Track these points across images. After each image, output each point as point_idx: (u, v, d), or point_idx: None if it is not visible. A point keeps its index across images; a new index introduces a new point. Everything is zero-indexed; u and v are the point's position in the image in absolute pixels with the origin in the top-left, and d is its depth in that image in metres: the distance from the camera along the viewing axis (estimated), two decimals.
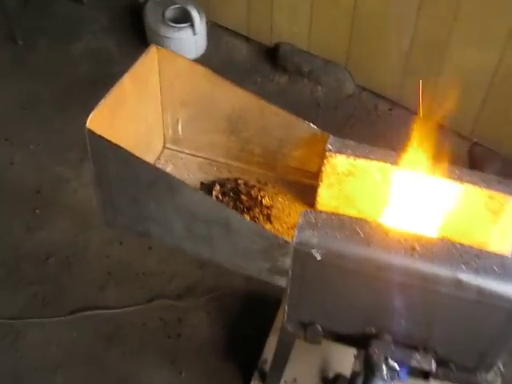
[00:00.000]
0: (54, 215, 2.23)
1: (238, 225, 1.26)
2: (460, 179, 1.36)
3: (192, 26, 2.66)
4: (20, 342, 1.91)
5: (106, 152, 1.28)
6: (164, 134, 1.65)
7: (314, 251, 1.21)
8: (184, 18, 2.69)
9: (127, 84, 1.38)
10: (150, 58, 1.47)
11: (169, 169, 1.64)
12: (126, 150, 1.24)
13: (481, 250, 1.22)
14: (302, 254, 1.23)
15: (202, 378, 1.85)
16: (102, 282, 2.06)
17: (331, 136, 1.43)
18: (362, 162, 1.39)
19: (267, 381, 1.70)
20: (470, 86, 2.30)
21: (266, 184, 1.61)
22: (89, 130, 1.25)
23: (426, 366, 1.32)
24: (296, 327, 1.46)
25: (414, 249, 1.19)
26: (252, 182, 1.60)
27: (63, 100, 2.64)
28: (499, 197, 1.34)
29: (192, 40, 2.70)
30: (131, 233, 1.52)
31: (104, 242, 2.16)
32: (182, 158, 1.67)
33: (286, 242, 1.23)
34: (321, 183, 1.46)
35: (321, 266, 1.24)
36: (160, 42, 2.73)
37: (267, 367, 1.72)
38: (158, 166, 1.63)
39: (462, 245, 1.22)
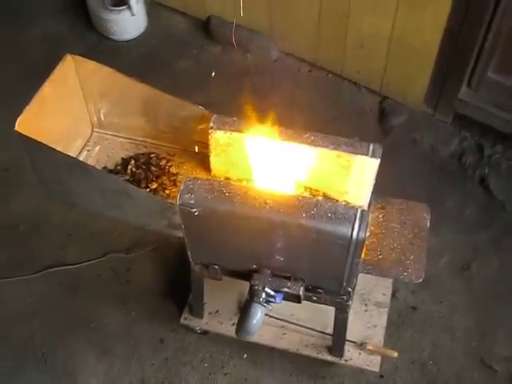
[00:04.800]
0: (20, 191, 2.59)
1: (135, 193, 1.64)
2: (314, 143, 1.70)
3: (129, 8, 2.95)
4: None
5: (32, 147, 1.64)
6: (91, 121, 2.00)
7: (192, 210, 1.59)
8: (123, 1, 2.98)
9: (47, 90, 1.71)
10: (67, 65, 1.79)
11: (97, 149, 1.99)
12: (44, 145, 1.59)
13: (319, 200, 1.58)
14: (185, 212, 1.60)
15: (148, 315, 2.26)
16: (64, 243, 2.46)
17: (215, 115, 1.77)
18: (236, 135, 1.73)
19: (194, 312, 2.11)
20: (373, 48, 2.60)
21: (174, 155, 1.95)
22: (17, 131, 1.61)
23: (295, 291, 1.71)
24: (200, 268, 1.85)
25: (266, 202, 1.55)
26: (163, 155, 1.95)
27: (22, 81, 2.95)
28: (345, 155, 1.69)
29: (131, 20, 3.00)
30: (64, 204, 1.89)
31: (63, 210, 2.53)
32: (107, 139, 2.01)
33: (172, 204, 1.60)
34: (210, 153, 1.82)
35: (201, 219, 1.61)
36: (103, 24, 3.04)
37: None
38: (88, 147, 1.99)
39: (304, 197, 1.59)
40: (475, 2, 2.18)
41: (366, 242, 1.75)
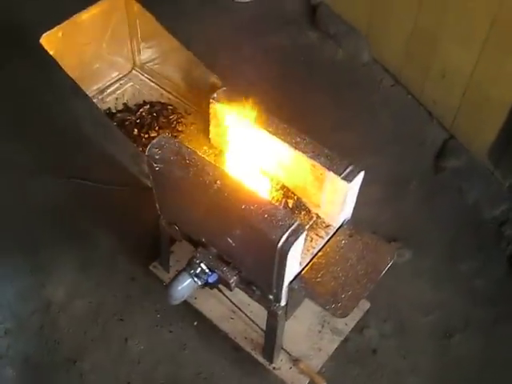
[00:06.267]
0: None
1: (115, 131, 1.73)
2: (295, 146, 1.66)
3: None
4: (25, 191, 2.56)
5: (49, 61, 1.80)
6: (134, 59, 2.12)
7: (155, 164, 1.64)
8: None
9: (85, 16, 1.85)
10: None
11: (128, 85, 2.11)
12: (54, 60, 1.73)
13: (264, 199, 1.56)
14: (150, 164, 1.66)
15: (133, 250, 2.34)
16: (98, 161, 2.61)
17: (223, 88, 1.79)
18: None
19: (163, 265, 2.19)
20: (453, 83, 2.43)
21: (189, 114, 2.02)
22: (40, 44, 1.76)
23: (226, 278, 1.71)
24: (167, 224, 1.91)
25: (215, 182, 1.56)
26: (179, 110, 2.02)
27: None
28: (319, 167, 1.63)
29: None
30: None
31: None
32: (141, 80, 2.12)
33: (142, 151, 1.66)
34: (210, 123, 1.85)
35: (162, 176, 1.67)
36: None
37: None
38: (122, 81, 2.12)
39: (254, 191, 1.57)
40: None
41: (315, 260, 1.71)
